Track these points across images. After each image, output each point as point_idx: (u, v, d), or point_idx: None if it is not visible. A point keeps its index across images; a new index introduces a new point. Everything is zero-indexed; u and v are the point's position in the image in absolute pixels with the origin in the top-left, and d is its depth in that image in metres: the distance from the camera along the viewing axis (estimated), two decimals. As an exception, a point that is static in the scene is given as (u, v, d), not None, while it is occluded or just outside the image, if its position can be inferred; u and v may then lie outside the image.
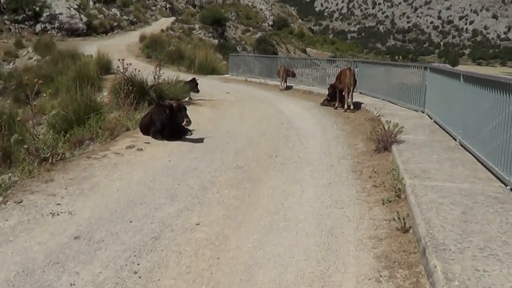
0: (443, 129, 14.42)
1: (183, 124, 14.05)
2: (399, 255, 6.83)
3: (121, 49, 47.46)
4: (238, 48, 70.20)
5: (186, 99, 15.63)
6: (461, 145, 12.31)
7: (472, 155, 11.20)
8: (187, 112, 14.27)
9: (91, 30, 61.59)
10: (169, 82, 22.01)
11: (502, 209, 7.69)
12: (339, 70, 22.39)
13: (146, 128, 14.83)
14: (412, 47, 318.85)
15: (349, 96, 19.91)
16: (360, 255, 6.98)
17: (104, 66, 31.60)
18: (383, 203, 8.86)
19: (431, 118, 16.43)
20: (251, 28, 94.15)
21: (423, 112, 17.93)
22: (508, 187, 8.74)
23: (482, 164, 10.36)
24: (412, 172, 9.66)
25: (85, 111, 17.39)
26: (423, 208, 7.58)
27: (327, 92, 22.03)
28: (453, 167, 10.24)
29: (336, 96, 20.88)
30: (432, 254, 6.04)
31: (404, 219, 7.57)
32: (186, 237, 7.61)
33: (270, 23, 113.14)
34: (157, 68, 22.32)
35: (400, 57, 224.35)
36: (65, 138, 14.51)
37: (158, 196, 9.41)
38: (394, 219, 7.73)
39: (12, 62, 46.90)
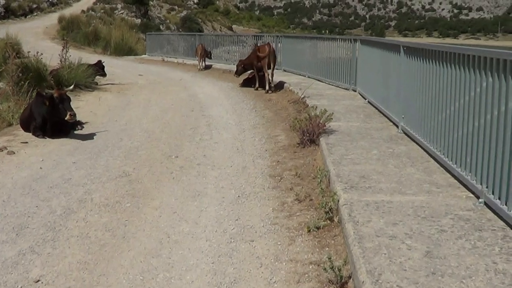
0: (380, 112, 11.91)
1: (65, 118, 11.15)
2: None
3: (38, 32, 44.33)
4: (161, 28, 66.88)
5: (71, 87, 12.63)
6: (405, 133, 9.78)
7: (421, 147, 8.65)
8: (71, 102, 11.53)
9: (9, 13, 57.62)
10: (70, 65, 18.94)
11: (482, 241, 5.07)
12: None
13: (26, 123, 12.23)
14: (338, 21, 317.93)
15: (271, 76, 17.17)
16: None
17: (15, 49, 27.98)
18: (309, 231, 6.14)
19: (365, 98, 13.89)
20: (176, 7, 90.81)
21: (355, 91, 15.41)
22: (480, 200, 6.09)
23: (437, 161, 7.78)
24: (347, 179, 7.02)
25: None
26: (368, 248, 4.91)
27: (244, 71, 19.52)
28: (400, 168, 7.64)
29: (253, 76, 18.33)
30: None
31: (339, 269, 4.85)
32: (8, 313, 4.82)
33: (196, 1, 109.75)
34: (63, 51, 19.45)
35: (327, 31, 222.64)
36: None
37: (1, 230, 6.54)
38: (325, 268, 4.95)
39: None
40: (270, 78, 17.42)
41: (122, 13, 65.11)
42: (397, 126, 10.21)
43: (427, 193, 6.48)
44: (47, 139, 11.55)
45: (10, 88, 15.86)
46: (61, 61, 19.55)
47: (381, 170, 7.49)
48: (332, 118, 10.06)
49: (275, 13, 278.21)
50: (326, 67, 17.90)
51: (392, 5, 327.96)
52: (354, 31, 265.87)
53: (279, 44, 23.05)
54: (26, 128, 12.09)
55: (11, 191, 8.07)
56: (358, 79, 15.21)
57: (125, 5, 67.92)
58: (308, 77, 19.11)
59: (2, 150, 10.53)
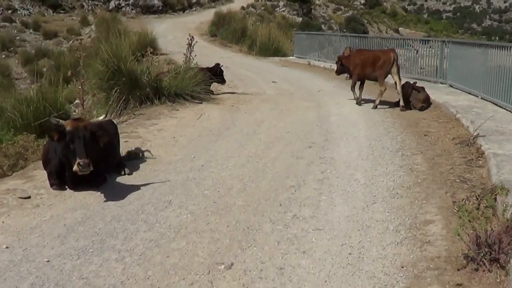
0: None
1: (73, 169, 6.58)
2: None
3: (191, 27, 40.69)
4: (323, 27, 62.01)
5: (101, 117, 7.92)
6: None
7: None
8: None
9: (167, 7, 54.85)
10: (177, 70, 14.55)
11: None
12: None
13: (45, 163, 7.65)
14: (509, 27, 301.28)
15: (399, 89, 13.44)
16: None
17: (148, 46, 23.86)
18: None
19: None
20: (342, 7, 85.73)
21: (554, 128, 9.91)
22: None
23: None
24: None
25: (35, 115, 11.24)
26: None
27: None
28: None
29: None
30: None
31: None
32: None
33: (362, 1, 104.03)
34: (188, 49, 15.29)
35: (497, 38, 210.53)
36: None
37: None
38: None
39: (72, 41, 41.00)
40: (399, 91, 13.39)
41: (283, 11, 60.84)
42: None
43: None
44: (68, 190, 7.10)
45: (79, 96, 11.74)
46: (184, 61, 15.66)
47: None
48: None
49: (444, 17, 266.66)
50: (507, 86, 12.32)
51: None
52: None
53: (445, 51, 17.61)
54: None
55: None
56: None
57: (287, 2, 63.59)
58: (482, 98, 13.65)
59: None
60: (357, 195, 6.99)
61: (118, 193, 7.13)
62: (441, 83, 17.03)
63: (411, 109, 13.09)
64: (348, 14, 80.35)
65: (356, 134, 10.65)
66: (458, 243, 5.25)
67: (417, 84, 13.43)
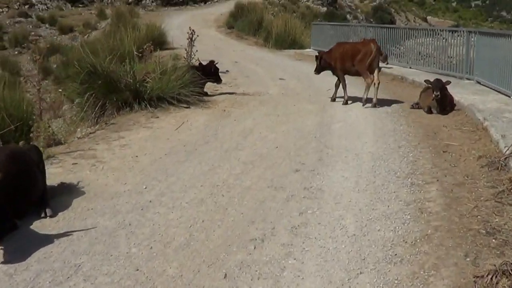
0: None
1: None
2: None
3: (209, 19, 38.87)
4: (348, 17, 59.64)
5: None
6: None
7: None
8: None
9: (188, -1, 52.96)
10: (164, 69, 12.56)
11: None
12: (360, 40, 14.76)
13: None
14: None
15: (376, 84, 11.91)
16: None
17: (155, 40, 21.79)
18: None
19: None
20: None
21: None
22: None
23: None
24: None
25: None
26: None
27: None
28: None
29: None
30: None
31: None
32: None
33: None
34: (189, 44, 14.37)
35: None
36: None
37: None
38: None
39: (87, 35, 39.37)
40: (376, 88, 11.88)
41: (307, 1, 58.62)
42: None
43: None
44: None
45: (38, 107, 9.93)
46: (185, 57, 14.46)
47: None
48: None
49: (473, 5, 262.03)
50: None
51: None
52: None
53: (470, 42, 15.37)
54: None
55: None
56: None
57: (312, -8, 61.41)
58: (515, 98, 11.51)
59: None
60: (339, 258, 4.91)
61: (22, 249, 5.19)
62: (468, 79, 14.84)
63: (431, 113, 11.04)
64: (375, 3, 78.13)
65: (359, 149, 8.57)
66: None
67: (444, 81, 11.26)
